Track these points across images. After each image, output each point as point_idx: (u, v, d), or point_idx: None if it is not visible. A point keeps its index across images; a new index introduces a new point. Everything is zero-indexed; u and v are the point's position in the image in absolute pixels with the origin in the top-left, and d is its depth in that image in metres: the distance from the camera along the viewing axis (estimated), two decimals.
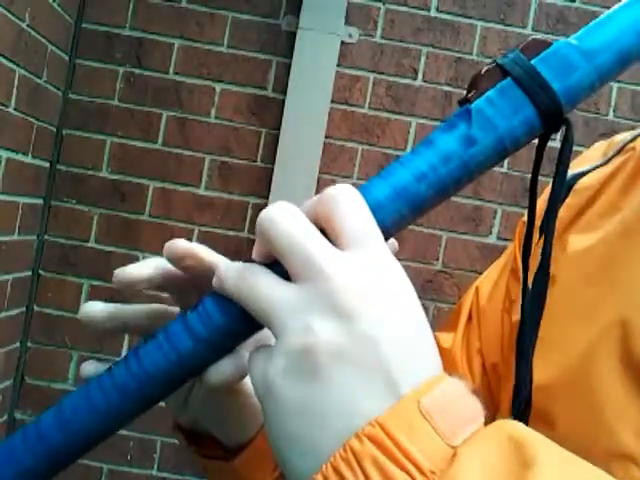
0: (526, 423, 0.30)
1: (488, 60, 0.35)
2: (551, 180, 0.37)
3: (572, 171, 0.51)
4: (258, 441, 0.46)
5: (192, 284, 0.40)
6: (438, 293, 1.79)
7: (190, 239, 0.38)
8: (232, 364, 0.35)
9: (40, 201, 1.73)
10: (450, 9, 1.80)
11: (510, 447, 0.26)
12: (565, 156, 0.36)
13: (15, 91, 1.47)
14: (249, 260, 0.33)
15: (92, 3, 1.78)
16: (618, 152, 0.50)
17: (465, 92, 0.35)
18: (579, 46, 0.34)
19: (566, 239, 0.48)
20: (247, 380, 0.42)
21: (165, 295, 0.42)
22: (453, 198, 1.92)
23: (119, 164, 1.78)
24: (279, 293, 0.30)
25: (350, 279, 0.29)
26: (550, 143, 0.37)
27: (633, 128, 0.53)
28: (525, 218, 0.41)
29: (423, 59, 1.80)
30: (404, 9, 1.80)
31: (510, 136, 0.34)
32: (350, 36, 1.78)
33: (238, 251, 1.72)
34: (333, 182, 1.68)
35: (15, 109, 1.48)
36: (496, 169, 1.78)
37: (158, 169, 1.78)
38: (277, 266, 0.31)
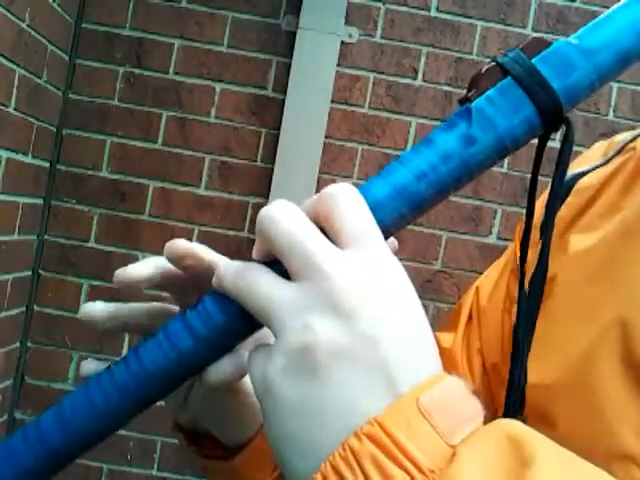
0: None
1: (488, 60, 0.35)
2: (550, 180, 0.37)
3: (572, 171, 0.51)
4: (257, 441, 0.46)
5: (192, 284, 0.40)
6: (438, 293, 1.79)
7: (190, 239, 0.38)
8: (232, 363, 0.35)
9: (40, 201, 1.73)
10: (450, 9, 1.80)
11: (509, 446, 0.26)
12: (565, 155, 0.36)
13: (15, 91, 1.47)
14: (249, 260, 0.33)
15: (92, 3, 1.78)
16: (618, 152, 0.50)
17: (465, 92, 0.35)
18: (579, 45, 0.34)
19: (567, 239, 0.48)
20: (247, 379, 0.42)
21: (165, 295, 0.42)
22: (453, 198, 1.91)
23: (119, 164, 1.78)
24: (278, 292, 0.30)
25: (350, 278, 0.29)
26: (550, 143, 0.37)
27: (633, 128, 0.53)
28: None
29: (423, 59, 1.80)
30: (404, 9, 1.80)
31: (510, 135, 0.34)
32: (350, 36, 1.78)
33: (238, 251, 1.72)
34: (333, 182, 1.68)
35: (15, 109, 1.48)
36: (496, 169, 1.78)
37: (158, 169, 1.78)
38: (277, 265, 0.31)
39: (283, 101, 1.76)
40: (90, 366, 0.38)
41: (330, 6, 1.75)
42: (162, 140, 1.78)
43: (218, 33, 1.79)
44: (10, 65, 1.43)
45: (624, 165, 0.48)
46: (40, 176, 1.71)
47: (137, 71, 1.78)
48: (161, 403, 0.45)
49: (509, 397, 0.41)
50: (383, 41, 1.79)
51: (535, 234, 0.40)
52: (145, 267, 0.39)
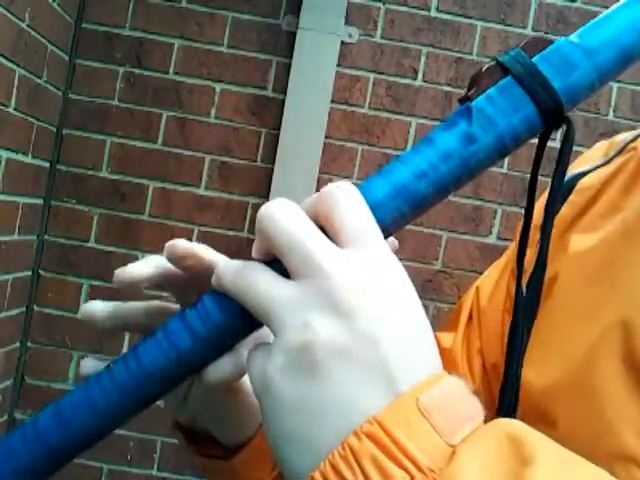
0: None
1: (488, 60, 0.35)
2: (550, 180, 0.37)
3: (573, 171, 0.51)
4: (257, 440, 0.46)
5: (192, 283, 0.40)
6: (438, 293, 1.79)
7: (190, 239, 0.38)
8: (231, 362, 0.35)
9: (40, 201, 1.73)
10: (450, 9, 1.80)
11: (509, 445, 0.26)
12: (565, 155, 0.36)
13: (15, 91, 1.47)
14: (249, 259, 0.33)
15: (92, 3, 1.78)
16: (619, 152, 0.50)
17: (465, 91, 0.35)
18: (580, 44, 0.34)
19: (567, 239, 0.48)
20: (246, 379, 0.42)
21: (165, 295, 0.42)
22: (453, 198, 1.92)
23: (119, 164, 1.78)
24: (278, 290, 0.30)
25: (350, 277, 0.29)
26: (550, 143, 0.37)
27: (633, 128, 0.53)
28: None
29: (423, 59, 1.80)
30: (404, 9, 1.80)
31: (510, 134, 0.34)
32: (350, 36, 1.78)
33: (238, 251, 1.72)
34: (333, 182, 1.68)
35: (15, 109, 1.48)
36: (496, 169, 1.78)
37: (158, 169, 1.78)
38: (277, 264, 0.31)
39: (283, 101, 1.76)
40: (89, 365, 0.38)
41: (330, 6, 1.75)
42: (162, 140, 1.78)
43: (218, 33, 1.79)
44: (10, 65, 1.43)
45: (625, 165, 0.48)
46: (40, 176, 1.71)
47: (137, 71, 1.78)
48: (161, 403, 0.45)
49: (503, 396, 0.41)
50: (383, 41, 1.79)
51: (535, 234, 0.40)
52: (145, 267, 0.39)
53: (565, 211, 0.49)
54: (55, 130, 1.75)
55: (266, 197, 1.75)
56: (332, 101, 1.77)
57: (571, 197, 0.50)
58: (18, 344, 1.73)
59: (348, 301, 0.28)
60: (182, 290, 0.41)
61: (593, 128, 1.79)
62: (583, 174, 0.51)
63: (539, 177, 0.39)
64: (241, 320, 0.33)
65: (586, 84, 0.34)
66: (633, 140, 0.50)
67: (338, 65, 1.77)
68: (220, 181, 1.79)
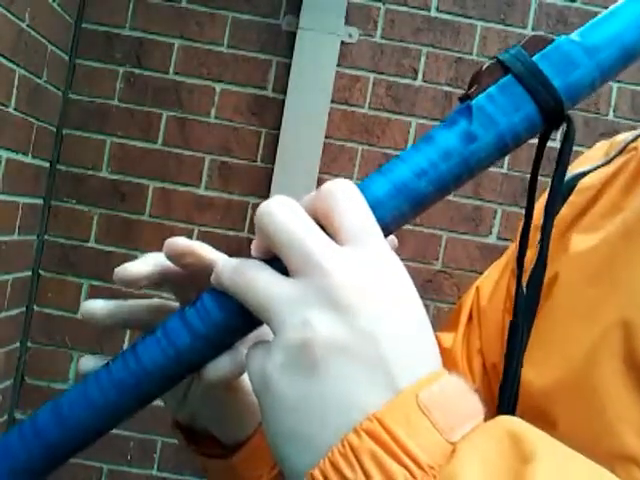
0: None
1: (488, 60, 0.35)
2: (551, 179, 0.37)
3: (573, 171, 0.51)
4: (256, 439, 0.46)
5: (191, 281, 0.40)
6: (438, 293, 1.78)
7: (190, 239, 0.38)
8: (230, 360, 0.35)
9: (40, 201, 1.73)
10: (450, 9, 1.80)
11: (509, 443, 0.26)
12: (565, 154, 0.36)
13: (15, 91, 1.47)
14: (249, 258, 0.33)
15: (92, 3, 1.78)
16: (620, 152, 0.50)
17: (466, 90, 0.35)
18: (581, 42, 0.34)
19: (568, 239, 0.48)
20: (245, 377, 0.42)
21: (165, 294, 0.42)
22: (453, 198, 1.92)
23: (119, 164, 1.78)
24: (277, 288, 0.30)
25: (349, 275, 0.29)
26: (550, 143, 0.36)
27: (634, 128, 0.53)
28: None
29: (423, 59, 1.80)
30: (404, 9, 1.80)
31: (511, 133, 0.33)
32: (350, 36, 1.78)
33: (238, 251, 1.71)
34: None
35: (15, 109, 1.48)
36: (496, 169, 1.78)
37: (158, 169, 1.78)
38: (276, 262, 0.31)
39: (283, 101, 1.76)
40: (88, 362, 0.38)
41: (330, 6, 1.75)
42: (162, 140, 1.78)
43: (218, 33, 1.78)
44: (10, 65, 1.43)
45: (626, 165, 0.48)
46: (40, 176, 1.71)
47: (137, 71, 1.78)
48: (161, 403, 0.45)
49: (502, 395, 0.41)
50: (383, 41, 1.79)
51: (535, 234, 0.40)
52: (144, 265, 0.39)
53: (565, 211, 0.49)
54: (55, 130, 1.75)
55: (266, 197, 1.75)
56: (332, 101, 1.77)
57: (571, 197, 0.50)
58: (18, 344, 1.73)
59: (348, 299, 0.28)
60: (181, 288, 0.41)
61: (593, 128, 1.79)
62: (583, 174, 0.51)
63: (539, 177, 0.39)
64: (240, 318, 0.33)
65: (587, 82, 0.34)
66: (634, 140, 0.50)
67: (338, 65, 1.77)
68: (220, 181, 1.79)
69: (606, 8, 0.35)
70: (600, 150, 0.53)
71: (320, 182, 1.72)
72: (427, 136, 0.34)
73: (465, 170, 0.33)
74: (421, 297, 0.30)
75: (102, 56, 1.78)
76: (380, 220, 0.31)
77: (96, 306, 0.39)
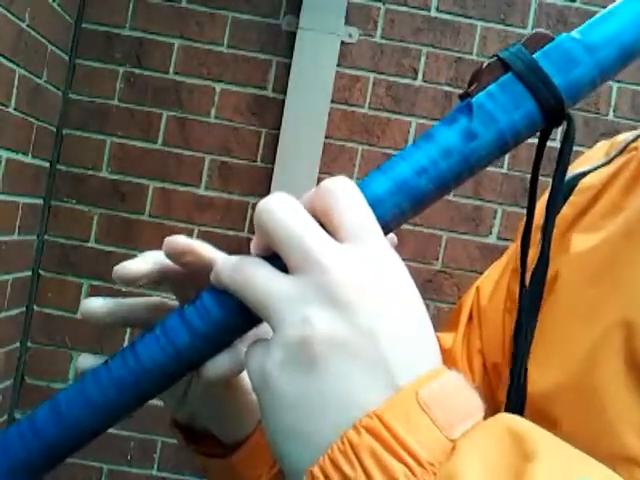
0: None
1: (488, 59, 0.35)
2: (551, 179, 0.37)
3: (574, 171, 0.51)
4: (255, 437, 0.45)
5: (190, 280, 0.40)
6: (438, 293, 1.78)
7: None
8: (229, 358, 0.35)
9: (40, 201, 1.73)
10: (450, 9, 1.80)
11: (510, 440, 0.26)
12: (566, 152, 0.36)
13: (15, 91, 1.47)
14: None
15: (92, 3, 1.78)
16: (620, 152, 0.50)
17: (466, 88, 0.34)
18: (582, 40, 0.34)
19: (569, 239, 0.48)
20: (245, 376, 0.42)
21: (165, 293, 0.42)
22: (453, 198, 1.91)
23: (119, 164, 1.78)
24: (276, 285, 0.30)
25: (349, 272, 0.29)
26: (550, 143, 0.36)
27: (634, 128, 0.53)
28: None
29: (423, 59, 1.80)
30: (404, 9, 1.80)
31: (511, 131, 0.33)
32: (350, 36, 1.78)
33: (238, 251, 1.71)
34: None
35: (15, 109, 1.48)
36: (496, 169, 1.78)
37: (158, 169, 1.78)
38: (276, 260, 0.31)
39: (283, 101, 1.76)
40: (87, 361, 0.38)
41: (330, 6, 1.75)
42: (162, 140, 1.78)
43: (218, 33, 1.78)
44: (10, 65, 1.43)
45: (626, 165, 0.48)
46: (40, 176, 1.70)
47: (137, 71, 1.78)
48: (161, 403, 0.45)
49: (510, 396, 0.41)
50: (383, 41, 1.79)
51: (537, 234, 0.40)
52: (144, 263, 0.39)
53: (566, 211, 0.49)
54: (55, 130, 1.75)
55: None
56: (332, 101, 1.77)
57: (572, 197, 0.50)
58: (18, 344, 1.73)
59: (347, 296, 0.28)
60: (181, 287, 0.41)
61: (593, 128, 1.79)
62: (584, 174, 0.51)
63: (540, 177, 0.39)
64: (240, 316, 0.33)
65: (587, 80, 0.34)
66: (634, 140, 0.50)
67: (338, 65, 1.77)
68: (220, 181, 1.78)
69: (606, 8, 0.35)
70: (601, 150, 0.53)
71: (320, 182, 1.72)
72: (427, 134, 0.34)
73: (465, 168, 0.33)
74: (421, 297, 0.30)
75: (102, 56, 1.78)
76: (380, 218, 0.31)
77: (95, 304, 0.39)
